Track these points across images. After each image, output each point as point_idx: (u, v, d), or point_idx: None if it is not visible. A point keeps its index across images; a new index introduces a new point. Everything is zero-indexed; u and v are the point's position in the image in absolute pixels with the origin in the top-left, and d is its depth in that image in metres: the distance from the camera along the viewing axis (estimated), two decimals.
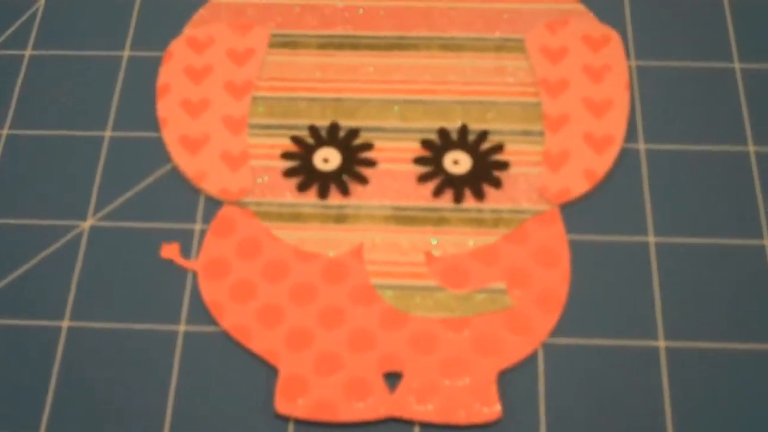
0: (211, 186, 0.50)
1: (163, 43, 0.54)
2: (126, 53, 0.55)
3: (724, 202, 0.49)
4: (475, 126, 0.51)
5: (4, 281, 0.47)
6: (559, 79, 0.52)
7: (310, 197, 0.49)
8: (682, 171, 0.50)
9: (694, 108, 0.52)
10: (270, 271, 0.47)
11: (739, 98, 0.52)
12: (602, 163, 0.50)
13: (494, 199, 0.49)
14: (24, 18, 0.56)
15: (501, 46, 0.54)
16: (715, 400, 0.44)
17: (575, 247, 0.48)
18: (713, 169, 0.50)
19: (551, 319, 0.46)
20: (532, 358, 0.45)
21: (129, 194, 0.50)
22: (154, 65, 0.54)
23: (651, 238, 0.48)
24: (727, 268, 0.47)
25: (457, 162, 0.50)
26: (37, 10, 0.56)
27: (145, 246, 0.48)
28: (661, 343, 0.45)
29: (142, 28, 0.55)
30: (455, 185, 0.49)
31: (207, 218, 0.49)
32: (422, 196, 0.49)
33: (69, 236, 0.49)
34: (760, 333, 0.45)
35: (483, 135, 0.51)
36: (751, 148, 0.50)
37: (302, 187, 0.49)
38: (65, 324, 0.46)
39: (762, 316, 0.46)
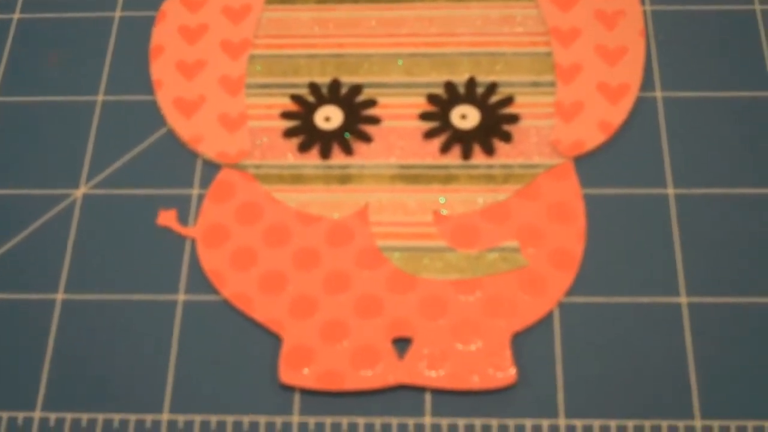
0: (208, 149, 0.48)
1: (156, 2, 0.53)
2: (117, 14, 0.53)
3: (746, 152, 0.47)
4: (483, 78, 0.49)
5: None
6: (571, 27, 0.50)
7: (312, 158, 0.47)
8: (701, 119, 0.48)
9: (713, 53, 0.50)
10: (271, 236, 0.45)
11: (759, 42, 0.50)
12: (617, 113, 0.48)
13: (504, 154, 0.47)
14: None
15: None
16: (740, 358, 0.42)
17: (591, 202, 0.46)
18: (733, 117, 0.48)
19: (567, 278, 0.44)
20: (547, 319, 0.43)
21: (123, 160, 0.48)
22: (147, 26, 0.52)
23: (670, 190, 0.46)
24: (749, 219, 0.45)
25: (465, 116, 0.48)
26: None
27: (141, 213, 0.47)
28: (683, 300, 0.43)
29: None
30: (463, 141, 0.47)
31: (205, 183, 0.47)
32: (429, 153, 0.47)
33: (61, 205, 0.47)
34: None
35: (492, 87, 0.49)
36: None
37: (303, 148, 0.48)
38: (59, 297, 0.45)
39: None
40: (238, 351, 0.43)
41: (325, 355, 0.42)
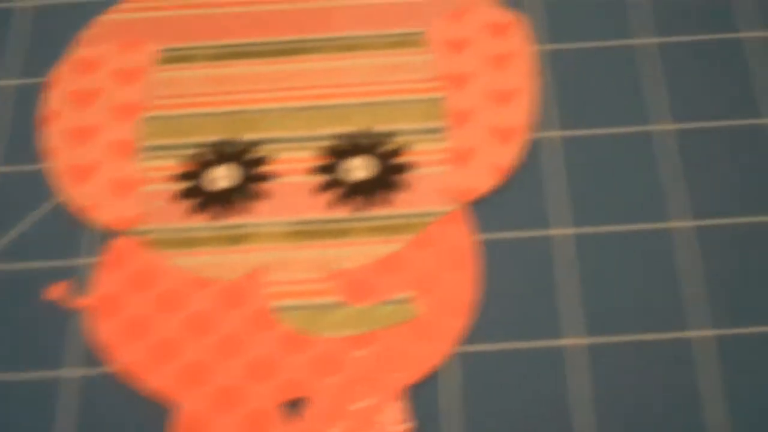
0: (101, 216, 0.47)
1: (45, 69, 0.52)
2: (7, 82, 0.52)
3: (642, 185, 0.47)
4: (377, 128, 0.49)
5: None
6: (462, 72, 0.50)
7: (206, 219, 0.47)
8: (598, 157, 0.48)
9: (610, 90, 0.50)
10: (164, 303, 0.45)
11: (657, 76, 0.50)
12: (509, 155, 0.48)
13: (399, 204, 0.47)
14: None
15: (400, 42, 0.52)
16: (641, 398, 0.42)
17: (487, 246, 0.46)
18: (629, 153, 0.48)
19: (460, 326, 0.44)
20: (444, 369, 0.43)
21: (12, 233, 0.47)
22: (38, 92, 0.51)
23: (569, 230, 0.46)
24: (637, 254, 0.45)
25: (358, 168, 0.48)
26: None
27: (30, 288, 0.46)
28: (584, 341, 0.43)
29: (22, 53, 0.53)
30: (357, 193, 0.47)
31: (98, 252, 0.46)
32: (322, 207, 0.47)
33: None
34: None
35: (385, 136, 0.49)
36: (670, 126, 0.49)
37: (197, 210, 0.47)
38: None
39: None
40: (132, 424, 0.42)
41: (219, 424, 0.42)
